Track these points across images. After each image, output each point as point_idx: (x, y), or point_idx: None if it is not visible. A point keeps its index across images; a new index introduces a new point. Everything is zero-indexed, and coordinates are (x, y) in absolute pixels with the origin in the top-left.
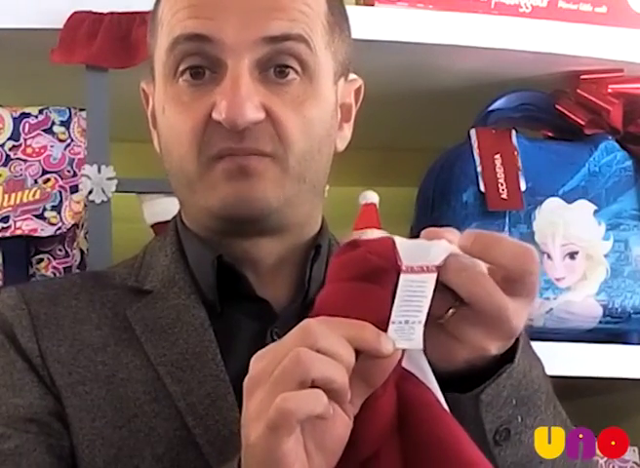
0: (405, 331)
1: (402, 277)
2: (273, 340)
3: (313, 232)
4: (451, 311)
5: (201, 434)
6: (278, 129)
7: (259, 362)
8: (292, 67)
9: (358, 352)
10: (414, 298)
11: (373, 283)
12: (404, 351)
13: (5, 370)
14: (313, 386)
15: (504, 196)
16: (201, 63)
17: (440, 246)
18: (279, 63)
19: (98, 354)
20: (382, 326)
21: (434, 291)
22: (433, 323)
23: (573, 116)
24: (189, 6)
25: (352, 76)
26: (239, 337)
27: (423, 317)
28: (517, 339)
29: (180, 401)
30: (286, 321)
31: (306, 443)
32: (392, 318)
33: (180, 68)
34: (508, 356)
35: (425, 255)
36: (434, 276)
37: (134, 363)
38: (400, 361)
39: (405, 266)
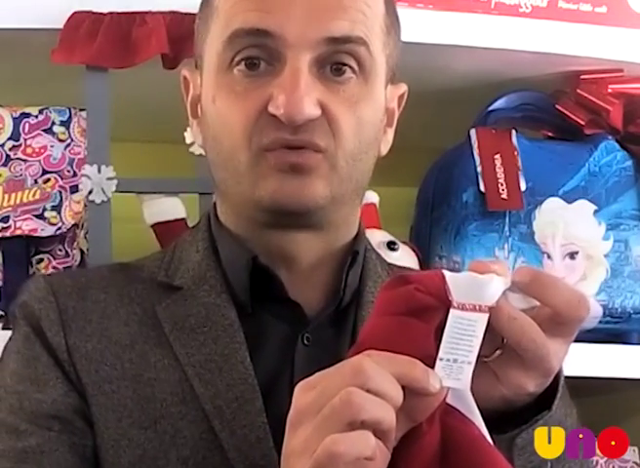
0: (453, 370)
1: (452, 313)
2: (304, 345)
3: (350, 235)
4: (498, 352)
5: (227, 438)
6: (332, 126)
7: (304, 393)
8: (349, 66)
9: (404, 387)
10: (464, 337)
11: (418, 319)
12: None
13: (30, 363)
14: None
15: (504, 196)
16: (259, 55)
17: (495, 284)
18: (337, 61)
19: (125, 352)
20: (426, 360)
21: (485, 331)
22: (478, 362)
23: (573, 116)
24: None
25: None
26: (269, 340)
27: (473, 358)
28: (557, 386)
29: (207, 403)
30: (318, 326)
31: None
32: (440, 354)
33: (237, 58)
34: (546, 400)
35: (479, 293)
36: (486, 316)
37: (161, 362)
38: (445, 397)
39: (457, 303)
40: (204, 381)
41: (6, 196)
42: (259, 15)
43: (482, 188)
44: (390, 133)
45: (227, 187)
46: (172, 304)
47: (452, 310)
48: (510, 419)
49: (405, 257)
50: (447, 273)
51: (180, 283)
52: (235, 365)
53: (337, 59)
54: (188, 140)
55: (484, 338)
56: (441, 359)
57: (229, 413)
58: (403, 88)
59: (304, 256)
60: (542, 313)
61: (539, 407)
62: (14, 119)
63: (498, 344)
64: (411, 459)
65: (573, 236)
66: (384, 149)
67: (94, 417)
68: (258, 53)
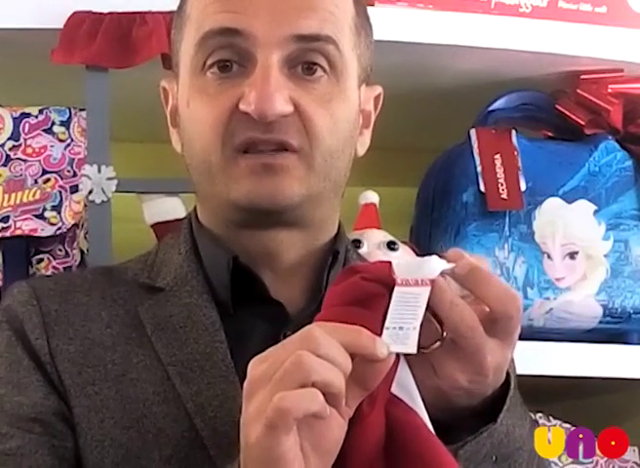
0: (399, 337)
1: (396, 289)
2: None
3: (330, 235)
4: (437, 344)
5: (209, 436)
6: (306, 123)
7: (259, 365)
8: (320, 65)
9: (354, 355)
10: (408, 308)
11: (365, 307)
12: (394, 375)
13: (11, 367)
14: None
15: (504, 196)
16: (230, 57)
17: (434, 261)
18: (308, 60)
19: (107, 353)
20: None
21: (427, 303)
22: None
23: (573, 116)
24: (220, 0)
25: None
26: (251, 339)
27: (418, 324)
28: (505, 398)
29: (188, 402)
30: (300, 325)
31: (303, 443)
32: (386, 324)
33: (209, 62)
34: (495, 411)
35: (420, 269)
36: (428, 289)
37: (144, 362)
38: (390, 383)
39: (400, 280)
40: (185, 380)
41: (6, 196)
42: (228, 15)
43: (482, 188)
44: (367, 134)
45: (203, 189)
46: (154, 305)
47: (396, 287)
48: (460, 428)
49: (405, 257)
50: (393, 260)
51: (162, 284)
52: (216, 363)
53: (307, 58)
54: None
55: (424, 320)
56: (387, 328)
57: (211, 411)
58: (378, 89)
59: (285, 255)
60: (480, 310)
61: (491, 416)
62: (14, 119)
63: (437, 337)
64: (354, 443)
65: (573, 236)
66: (361, 150)
67: (76, 419)
68: (229, 54)
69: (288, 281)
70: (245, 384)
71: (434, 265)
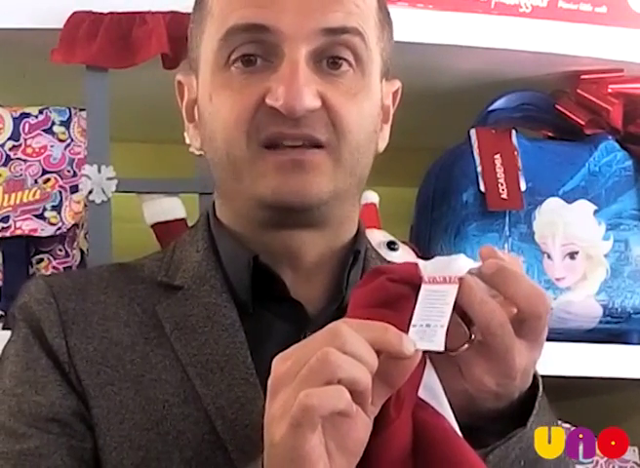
0: (426, 334)
1: (423, 287)
2: None
3: (350, 233)
4: (465, 347)
5: (230, 438)
6: (334, 117)
7: (283, 362)
8: (345, 59)
9: (380, 352)
10: (436, 305)
11: (391, 309)
12: (421, 378)
13: (29, 366)
14: None
15: (504, 196)
16: (255, 52)
17: (462, 260)
18: (334, 55)
19: (126, 353)
20: None
21: (455, 302)
22: (444, 355)
23: (573, 116)
24: None
25: None
26: (271, 339)
27: (446, 321)
28: (533, 401)
29: (209, 404)
30: (320, 325)
31: (327, 443)
32: (413, 322)
33: (233, 56)
34: (523, 415)
35: (448, 267)
36: (456, 287)
37: (163, 363)
38: (418, 387)
39: (427, 277)
40: (205, 382)
41: (6, 196)
42: (254, 10)
43: (482, 188)
44: (386, 129)
45: (227, 186)
46: (172, 304)
47: (423, 285)
48: (485, 431)
49: (405, 257)
50: (420, 261)
51: (180, 282)
52: (237, 364)
53: (333, 52)
54: (188, 140)
55: (451, 324)
56: (414, 325)
57: (231, 414)
58: (397, 84)
59: (308, 254)
60: (508, 311)
61: (518, 419)
62: (14, 119)
63: (465, 339)
64: (382, 447)
65: (573, 236)
66: (382, 145)
67: (95, 419)
68: (254, 49)
69: (308, 280)
70: (269, 381)
71: (461, 264)
